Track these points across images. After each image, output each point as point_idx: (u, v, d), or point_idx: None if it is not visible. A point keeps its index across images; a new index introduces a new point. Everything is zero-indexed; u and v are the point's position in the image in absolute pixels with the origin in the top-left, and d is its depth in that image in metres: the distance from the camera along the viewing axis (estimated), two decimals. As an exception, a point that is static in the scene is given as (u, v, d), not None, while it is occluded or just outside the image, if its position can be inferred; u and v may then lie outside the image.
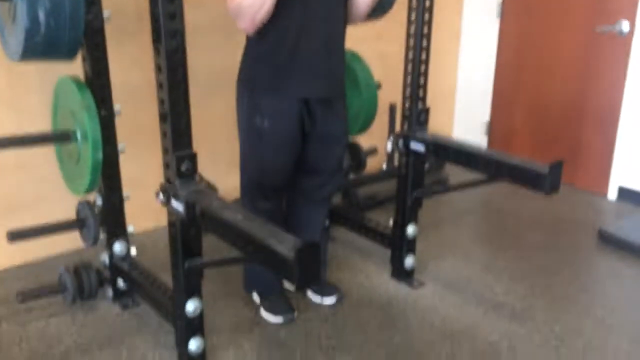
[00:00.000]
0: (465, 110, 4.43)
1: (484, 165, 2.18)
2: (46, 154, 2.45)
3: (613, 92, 3.54)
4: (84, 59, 2.13)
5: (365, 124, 2.85)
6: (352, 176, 3.25)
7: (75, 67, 2.16)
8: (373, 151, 3.19)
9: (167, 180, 1.81)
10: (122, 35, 2.63)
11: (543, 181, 1.99)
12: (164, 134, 1.77)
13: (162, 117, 1.75)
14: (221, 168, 3.07)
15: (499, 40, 4.07)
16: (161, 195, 1.81)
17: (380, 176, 3.49)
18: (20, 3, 1.78)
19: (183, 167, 1.77)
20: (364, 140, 3.14)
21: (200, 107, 2.94)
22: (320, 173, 2.32)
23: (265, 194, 2.25)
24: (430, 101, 4.22)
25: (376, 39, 3.65)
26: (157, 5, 1.63)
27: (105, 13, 2.09)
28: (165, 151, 1.79)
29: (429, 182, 3.56)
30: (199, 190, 1.78)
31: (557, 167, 2.00)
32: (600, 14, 3.49)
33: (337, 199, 3.12)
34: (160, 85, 1.72)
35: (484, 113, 4.28)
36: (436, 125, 4.41)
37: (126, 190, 2.32)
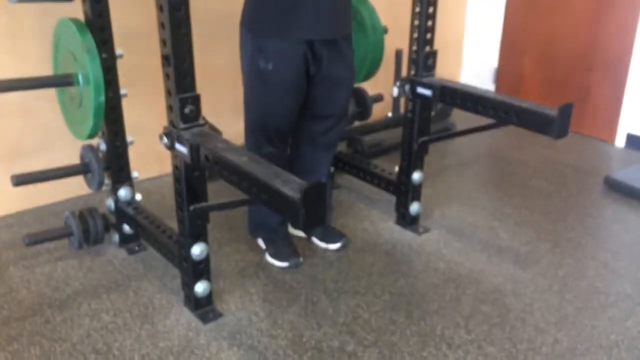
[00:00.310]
0: (473, 57, 4.36)
1: (492, 109, 2.14)
2: (50, 99, 2.42)
3: (624, 38, 3.46)
4: (83, 0, 2.08)
5: (371, 69, 2.80)
6: (357, 123, 3.22)
7: (75, 10, 2.11)
8: (379, 98, 3.15)
9: (171, 123, 1.79)
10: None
11: (552, 125, 1.95)
12: (166, 76, 1.73)
13: (165, 59, 1.71)
14: (225, 114, 3.05)
15: (508, -17, 3.96)
16: (165, 139, 1.79)
17: (385, 124, 3.46)
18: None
19: (187, 110, 1.74)
20: (370, 87, 3.09)
21: (203, 53, 2.88)
22: (325, 118, 2.29)
23: (270, 138, 2.23)
24: (437, 48, 4.19)
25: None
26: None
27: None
28: (168, 93, 1.76)
29: (435, 128, 3.54)
30: (203, 132, 1.76)
31: (566, 111, 1.96)
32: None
33: (342, 146, 3.10)
34: (162, 25, 1.68)
35: (492, 59, 4.21)
36: (443, 73, 4.32)
37: (129, 136, 2.30)
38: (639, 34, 3.38)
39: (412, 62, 2.40)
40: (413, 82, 2.38)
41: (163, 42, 1.70)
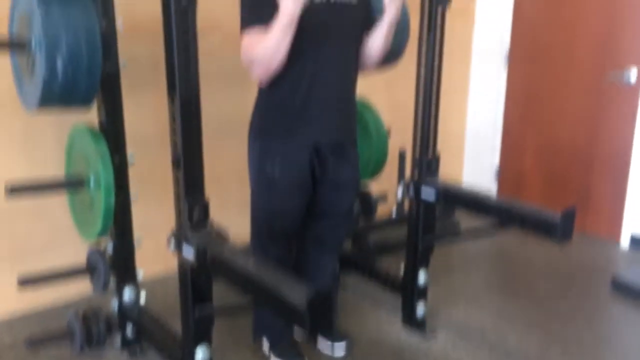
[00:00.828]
0: (474, 155, 4.45)
1: (496, 213, 2.17)
2: (60, 199, 2.47)
3: (622, 139, 3.55)
4: (99, 107, 2.17)
5: (375, 171, 2.86)
6: (362, 222, 3.24)
7: (89, 116, 2.20)
8: (383, 198, 3.19)
9: (179, 226, 1.82)
10: (137, 83, 2.68)
11: (555, 230, 1.97)
12: (176, 181, 1.78)
13: (176, 164, 1.77)
14: (232, 212, 3.07)
15: (507, 86, 4.12)
16: (172, 242, 1.81)
17: (390, 222, 3.48)
18: (39, 53, 1.83)
19: (195, 214, 1.78)
20: (374, 187, 3.15)
21: (212, 152, 2.97)
22: (331, 218, 2.31)
23: (276, 240, 2.24)
24: (439, 146, 4.28)
25: (387, 87, 3.69)
26: (173, 55, 1.67)
27: (122, 61, 2.14)
28: (177, 198, 1.80)
29: (439, 226, 3.56)
30: (210, 237, 1.78)
31: (569, 216, 1.99)
32: (608, 60, 3.53)
33: (347, 246, 3.11)
34: (173, 132, 1.74)
35: (494, 158, 4.29)
36: (446, 170, 4.41)
37: (137, 236, 2.32)
38: (638, 133, 3.47)
39: (416, 165, 2.46)
40: (417, 185, 2.42)
41: (175, 147, 1.76)
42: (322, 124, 2.11)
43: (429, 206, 2.45)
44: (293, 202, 2.18)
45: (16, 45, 1.93)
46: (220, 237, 1.92)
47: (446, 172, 4.37)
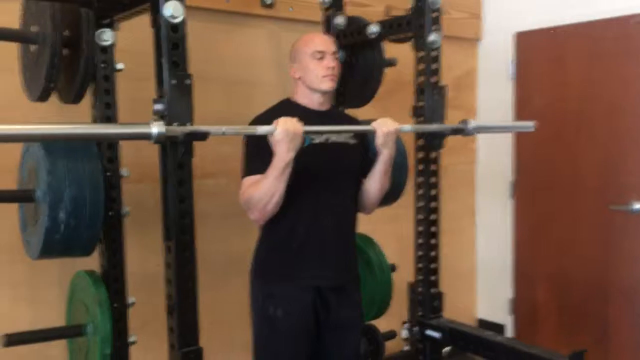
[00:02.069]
0: (487, 289, 4.37)
1: (503, 355, 2.10)
2: (62, 346, 2.43)
3: (635, 268, 3.48)
4: (101, 253, 2.21)
5: (380, 308, 2.81)
6: (370, 362, 3.13)
7: (97, 260, 2.23)
8: (391, 335, 3.10)
9: (173, 378, 1.78)
10: (141, 226, 2.72)
11: (564, 373, 1.89)
12: (170, 329, 1.77)
13: (169, 312, 1.77)
14: (236, 353, 3.01)
15: (514, 218, 4.12)
16: (165, 395, 1.76)
17: (401, 358, 3.36)
18: (43, 204, 1.90)
19: (189, 364, 1.74)
20: (383, 321, 3.07)
21: (215, 292, 2.98)
22: None
23: None
24: (451, 281, 4.18)
25: (392, 220, 3.72)
26: (168, 206, 1.72)
27: (125, 210, 2.20)
28: (171, 347, 1.77)
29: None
30: (203, 389, 1.73)
31: (577, 358, 1.92)
32: (612, 194, 3.55)
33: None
34: (168, 281, 1.76)
35: (507, 291, 4.20)
36: (459, 306, 4.36)
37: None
38: (650, 265, 3.41)
39: (419, 303, 2.42)
40: (421, 325, 2.37)
41: (169, 297, 1.77)
42: (320, 267, 2.13)
43: (434, 345, 2.38)
44: (297, 347, 2.12)
45: (22, 197, 2.00)
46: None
47: (460, 308, 4.32)
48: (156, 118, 1.65)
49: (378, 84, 2.78)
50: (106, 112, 2.15)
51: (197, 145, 2.78)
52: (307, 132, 1.94)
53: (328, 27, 2.76)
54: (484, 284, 4.38)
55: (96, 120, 2.14)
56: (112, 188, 2.16)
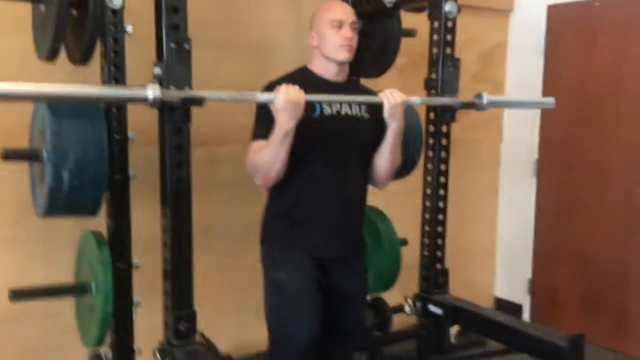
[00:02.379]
0: (506, 267, 4.30)
1: (504, 335, 2.07)
2: (70, 303, 2.50)
3: (658, 253, 3.38)
4: (107, 215, 2.24)
5: (388, 282, 2.80)
6: (377, 334, 3.13)
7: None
8: (400, 309, 3.09)
9: (166, 339, 1.80)
10: (150, 189, 2.74)
11: (561, 356, 1.85)
12: (165, 292, 1.79)
13: (164, 275, 1.79)
14: (250, 316, 3.04)
15: (537, 197, 4.02)
16: (158, 356, 1.79)
17: (410, 333, 3.34)
18: (48, 163, 1.93)
19: (181, 326, 1.77)
20: (394, 295, 3.05)
21: (232, 257, 3.01)
22: (336, 333, 2.24)
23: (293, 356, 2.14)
24: (470, 258, 4.19)
25: (410, 194, 3.68)
26: (166, 170, 1.73)
27: (131, 173, 2.22)
28: (165, 309, 1.80)
29: (465, 341, 3.40)
30: (194, 350, 1.76)
31: (578, 341, 1.87)
32: (637, 176, 3.43)
33: (362, 359, 2.99)
34: (164, 245, 1.77)
35: (526, 270, 4.13)
36: (477, 283, 4.31)
37: (138, 345, 2.30)
38: (674, 251, 3.30)
39: (424, 279, 2.40)
40: (424, 300, 2.35)
41: (164, 260, 1.78)
42: (325, 239, 2.12)
43: (437, 321, 2.36)
44: (303, 311, 2.11)
45: (29, 156, 2.04)
46: (207, 350, 1.88)
47: (477, 286, 4.27)
48: (154, 81, 1.65)
49: (394, 55, 2.72)
50: (115, 74, 2.15)
51: (214, 114, 2.83)
52: (309, 102, 1.91)
53: (346, -5, 2.70)
54: (504, 262, 4.32)
55: (104, 82, 2.14)
56: (119, 150, 2.16)
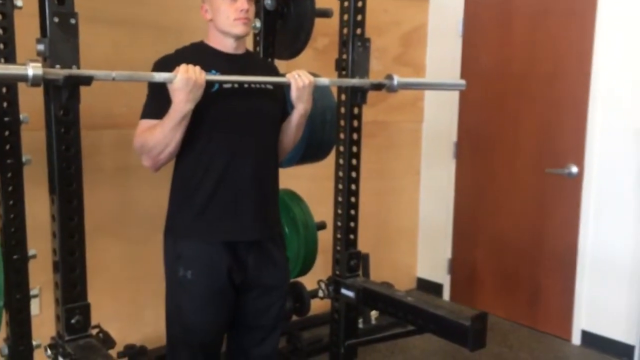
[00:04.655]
0: (428, 248, 4.37)
1: (412, 316, 2.08)
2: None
3: (568, 231, 3.50)
4: (-1, 203, 2.10)
5: (305, 266, 2.76)
6: (295, 318, 3.11)
7: None
8: (317, 294, 3.08)
9: (57, 333, 1.70)
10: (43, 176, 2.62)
11: (465, 335, 1.87)
12: (55, 285, 1.69)
13: (54, 267, 1.68)
14: (149, 314, 2.96)
15: (455, 179, 4.10)
16: (48, 351, 1.69)
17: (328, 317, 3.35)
18: None
19: (73, 320, 1.67)
20: (310, 279, 3.03)
21: (143, 245, 2.90)
22: (257, 328, 2.10)
23: (195, 356, 2.00)
24: (392, 240, 4.23)
25: (330, 177, 3.67)
26: (53, 154, 1.62)
27: (25, 158, 2.09)
28: (56, 302, 1.70)
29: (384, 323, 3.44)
30: (88, 345, 1.67)
31: (480, 320, 1.90)
32: (550, 157, 3.54)
33: (282, 343, 2.96)
34: (53, 234, 1.67)
35: (447, 251, 4.21)
36: (401, 264, 4.37)
37: (37, 340, 2.18)
38: (582, 229, 3.42)
39: (336, 262, 2.38)
40: (337, 283, 2.34)
41: (53, 251, 1.68)
42: (235, 219, 1.96)
43: (349, 305, 2.35)
44: (210, 313, 1.97)
45: None
46: (104, 343, 1.80)
47: (400, 266, 4.33)
48: (36, 59, 1.53)
49: (308, 35, 2.65)
50: (3, 51, 2.01)
51: (125, 95, 2.70)
52: (212, 81, 1.84)
53: (258, -28, 2.62)
54: (425, 243, 4.39)
55: (-8, 60, 2.00)
56: (10, 134, 2.04)
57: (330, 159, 2.57)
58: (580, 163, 3.40)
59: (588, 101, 3.34)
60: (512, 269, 3.82)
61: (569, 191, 3.47)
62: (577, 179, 3.42)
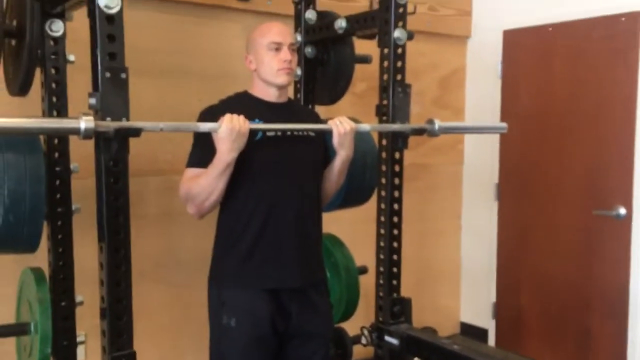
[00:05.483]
0: (471, 292, 4.28)
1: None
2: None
3: (618, 274, 3.38)
4: (48, 250, 2.15)
5: (347, 311, 2.74)
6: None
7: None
8: (359, 340, 3.03)
9: (104, 385, 1.72)
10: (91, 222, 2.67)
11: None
12: (102, 333, 1.71)
13: (102, 315, 1.70)
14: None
15: (498, 220, 4.03)
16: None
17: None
18: (-18, 199, 1.84)
19: (121, 369, 1.68)
20: (355, 324, 2.98)
21: (189, 290, 2.91)
22: None
23: None
24: (434, 283, 4.16)
25: (370, 221, 3.65)
26: (102, 203, 1.66)
27: (74, 206, 2.15)
28: (102, 350, 1.71)
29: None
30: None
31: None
32: (597, 198, 3.45)
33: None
34: (101, 282, 1.70)
35: (491, 294, 4.11)
36: (443, 308, 4.28)
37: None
38: (634, 272, 3.31)
39: (379, 308, 2.34)
40: (380, 330, 2.30)
41: (101, 299, 1.70)
42: (278, 267, 1.98)
43: (393, 353, 2.30)
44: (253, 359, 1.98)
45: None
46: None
47: (442, 310, 4.24)
48: (88, 112, 1.59)
49: (348, 82, 2.70)
50: (56, 105, 2.09)
51: (170, 142, 2.77)
52: (256, 130, 1.87)
53: (298, 21, 2.68)
54: (468, 287, 4.30)
55: (45, 113, 2.08)
56: (60, 183, 2.10)
57: (369, 201, 2.57)
58: (628, 204, 3.31)
59: (634, 141, 3.27)
60: (560, 313, 3.70)
61: (618, 233, 3.37)
62: (626, 220, 3.32)
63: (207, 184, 1.83)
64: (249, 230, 1.97)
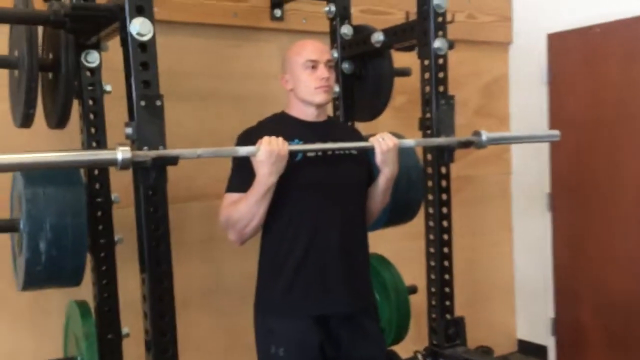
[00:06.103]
0: (527, 307, 4.10)
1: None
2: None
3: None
4: (93, 283, 2.13)
5: (399, 334, 2.63)
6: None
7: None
8: (414, 361, 2.91)
9: (151, 418, 1.67)
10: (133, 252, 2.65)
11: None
12: (147, 367, 1.66)
13: (147, 347, 1.66)
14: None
15: (552, 231, 3.85)
16: None
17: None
18: (24, 234, 1.83)
19: (167, 404, 1.63)
20: (407, 346, 2.86)
21: (234, 316, 2.86)
22: None
23: None
24: (487, 299, 4.00)
25: (415, 237, 3.53)
26: (142, 234, 1.62)
27: (117, 237, 2.12)
28: (149, 386, 1.67)
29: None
30: None
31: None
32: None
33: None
34: (144, 315, 1.65)
35: (548, 309, 3.92)
36: (498, 325, 4.11)
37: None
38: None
39: (433, 331, 2.24)
40: (435, 354, 2.19)
41: (145, 332, 1.66)
42: (325, 292, 1.90)
43: (451, 379, 2.19)
44: None
45: (6, 227, 1.94)
46: None
47: (498, 326, 4.07)
48: (124, 143, 1.56)
49: (388, 96, 2.62)
50: (95, 135, 2.08)
51: (208, 168, 2.74)
52: (295, 151, 1.81)
53: (334, 37, 2.63)
54: (524, 302, 4.12)
55: (84, 145, 2.07)
56: (102, 214, 2.08)
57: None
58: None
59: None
60: (623, 326, 3.49)
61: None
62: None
63: (247, 209, 1.78)
64: (291, 256, 1.91)
